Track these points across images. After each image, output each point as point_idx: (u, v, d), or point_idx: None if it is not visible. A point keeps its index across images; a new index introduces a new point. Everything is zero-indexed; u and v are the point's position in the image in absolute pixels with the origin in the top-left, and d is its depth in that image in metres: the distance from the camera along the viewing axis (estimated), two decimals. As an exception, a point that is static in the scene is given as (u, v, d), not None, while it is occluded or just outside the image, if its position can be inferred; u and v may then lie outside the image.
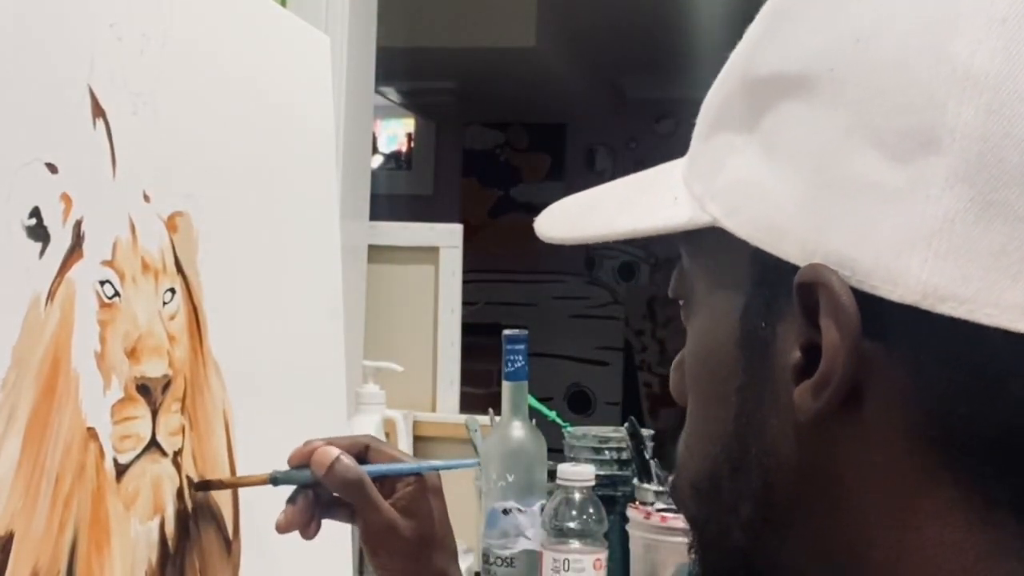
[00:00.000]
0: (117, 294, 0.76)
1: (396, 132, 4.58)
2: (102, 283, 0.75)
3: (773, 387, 0.43)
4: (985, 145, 0.37)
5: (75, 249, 0.72)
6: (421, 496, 0.80)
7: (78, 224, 0.73)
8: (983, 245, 0.37)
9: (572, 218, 0.53)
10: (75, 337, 0.72)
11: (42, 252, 0.69)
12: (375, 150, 4.20)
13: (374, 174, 1.86)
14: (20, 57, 0.68)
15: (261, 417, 0.94)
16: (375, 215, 1.79)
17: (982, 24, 0.37)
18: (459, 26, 3.24)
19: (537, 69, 3.52)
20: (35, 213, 0.69)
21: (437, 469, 0.83)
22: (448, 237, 1.79)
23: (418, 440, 1.70)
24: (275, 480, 0.81)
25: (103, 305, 0.75)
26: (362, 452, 0.82)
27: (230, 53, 0.93)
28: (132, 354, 0.77)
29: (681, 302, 0.51)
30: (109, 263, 0.75)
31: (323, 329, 1.08)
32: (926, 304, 0.38)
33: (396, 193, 4.23)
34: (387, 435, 1.59)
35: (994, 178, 0.37)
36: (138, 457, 0.78)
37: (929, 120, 0.37)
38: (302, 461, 0.81)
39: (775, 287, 0.42)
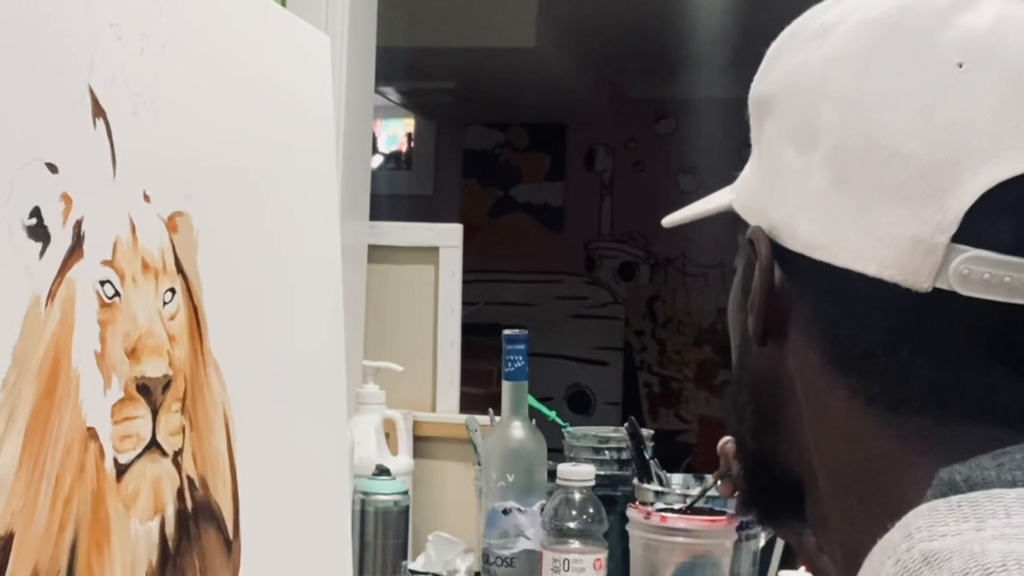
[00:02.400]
0: (117, 294, 0.76)
1: (396, 132, 4.58)
2: (102, 283, 0.75)
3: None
4: (840, 139, 0.52)
5: (75, 249, 0.72)
6: None
7: (78, 224, 0.73)
8: (838, 209, 0.52)
9: (683, 211, 0.71)
10: (75, 337, 0.72)
11: (42, 252, 0.69)
12: (375, 150, 4.20)
13: (374, 174, 1.85)
14: (20, 57, 0.68)
15: (261, 417, 0.94)
16: (375, 215, 1.79)
17: (847, 57, 0.53)
18: (459, 26, 3.24)
19: (537, 69, 3.52)
20: (35, 213, 0.69)
21: None
22: (448, 237, 1.79)
23: (418, 440, 1.70)
24: None
25: (103, 305, 0.75)
26: None
27: (230, 53, 0.93)
28: (132, 354, 0.77)
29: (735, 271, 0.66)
30: (109, 263, 0.75)
31: (323, 329, 1.08)
32: (808, 252, 0.53)
33: (396, 193, 4.23)
34: (387, 435, 1.59)
35: (844, 161, 0.52)
36: (138, 457, 0.78)
37: (813, 123, 0.54)
38: None
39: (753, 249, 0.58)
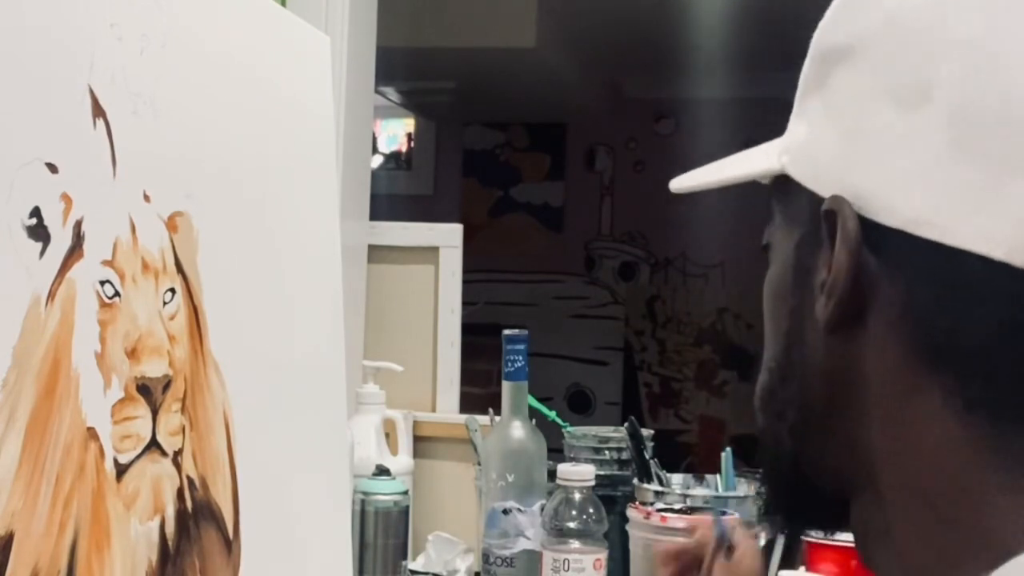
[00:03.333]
0: (117, 294, 0.76)
1: (396, 132, 4.58)
2: (102, 283, 0.75)
3: (811, 305, 0.51)
4: (965, 99, 0.45)
5: (75, 249, 0.72)
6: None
7: (78, 224, 0.73)
8: (957, 180, 0.45)
9: (696, 175, 0.63)
10: (75, 337, 0.72)
11: (42, 252, 0.69)
12: (375, 150, 4.20)
13: (374, 174, 1.85)
14: (20, 57, 0.68)
15: (261, 417, 0.94)
16: (375, 215, 1.79)
17: (973, 3, 0.46)
18: (459, 26, 3.23)
19: (537, 69, 3.52)
20: (35, 213, 0.69)
21: None
22: (448, 237, 1.79)
23: (418, 440, 1.69)
24: None
25: (103, 305, 0.75)
26: None
27: (230, 53, 0.93)
28: (132, 354, 0.77)
29: (766, 247, 0.60)
30: (109, 263, 0.75)
31: (323, 329, 1.08)
32: (911, 228, 0.46)
33: (396, 193, 4.22)
34: (387, 435, 1.59)
35: (970, 126, 0.45)
36: (138, 457, 0.78)
37: (926, 77, 0.46)
38: None
39: (819, 221, 0.50)
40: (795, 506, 0.59)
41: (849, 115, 0.50)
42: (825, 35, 0.54)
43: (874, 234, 0.48)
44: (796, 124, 0.54)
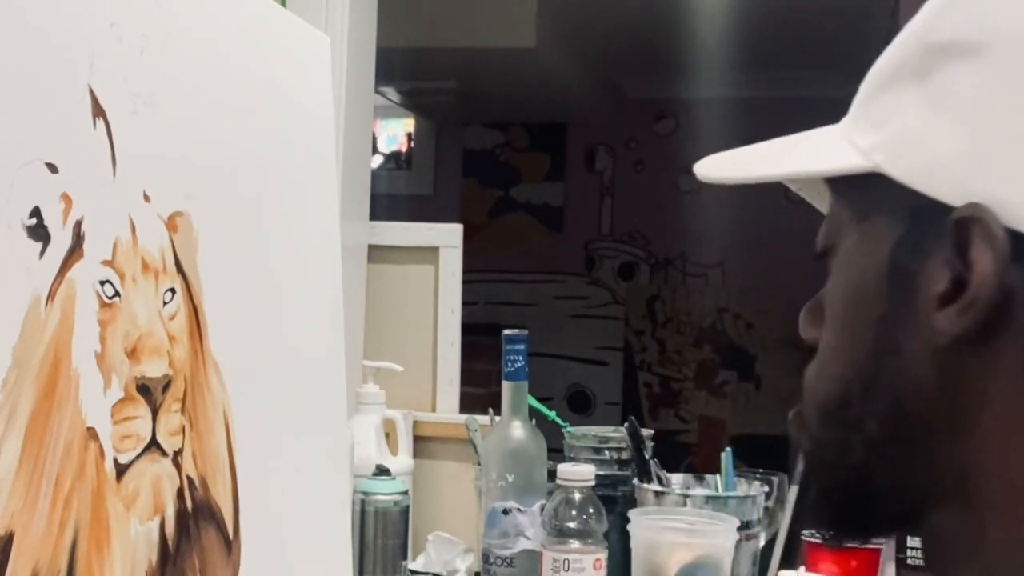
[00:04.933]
0: (117, 294, 0.76)
1: (396, 132, 4.58)
2: (102, 283, 0.75)
3: (914, 315, 0.49)
4: None
5: (75, 249, 0.72)
6: None
7: (78, 224, 0.73)
8: None
9: (738, 163, 0.59)
10: (75, 337, 0.72)
11: (42, 252, 0.69)
12: (375, 150, 4.20)
13: (374, 174, 1.85)
14: (20, 57, 0.68)
15: (261, 417, 0.94)
16: (375, 215, 1.79)
17: None
18: (459, 26, 3.23)
19: (537, 69, 3.52)
20: (35, 213, 0.69)
21: None
22: (448, 237, 1.79)
23: (418, 440, 1.69)
24: None
25: (103, 305, 0.75)
26: None
27: (230, 53, 0.93)
28: (132, 354, 0.77)
29: (826, 250, 0.57)
30: (109, 263, 0.75)
31: (323, 329, 1.08)
32: None
33: (396, 193, 4.23)
34: (387, 435, 1.59)
35: None
36: (138, 457, 0.78)
37: None
38: None
39: (927, 226, 0.48)
40: (853, 517, 0.56)
41: (979, 116, 0.47)
42: (939, 26, 0.50)
43: (1017, 245, 0.46)
44: (885, 116, 0.51)
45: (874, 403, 0.51)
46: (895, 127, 0.50)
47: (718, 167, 0.59)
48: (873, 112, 0.52)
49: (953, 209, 0.47)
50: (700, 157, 0.61)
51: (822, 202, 0.59)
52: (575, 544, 1.20)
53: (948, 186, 0.47)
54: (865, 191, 0.52)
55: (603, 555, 1.21)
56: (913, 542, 1.25)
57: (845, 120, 0.55)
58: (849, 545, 1.13)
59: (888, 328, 0.50)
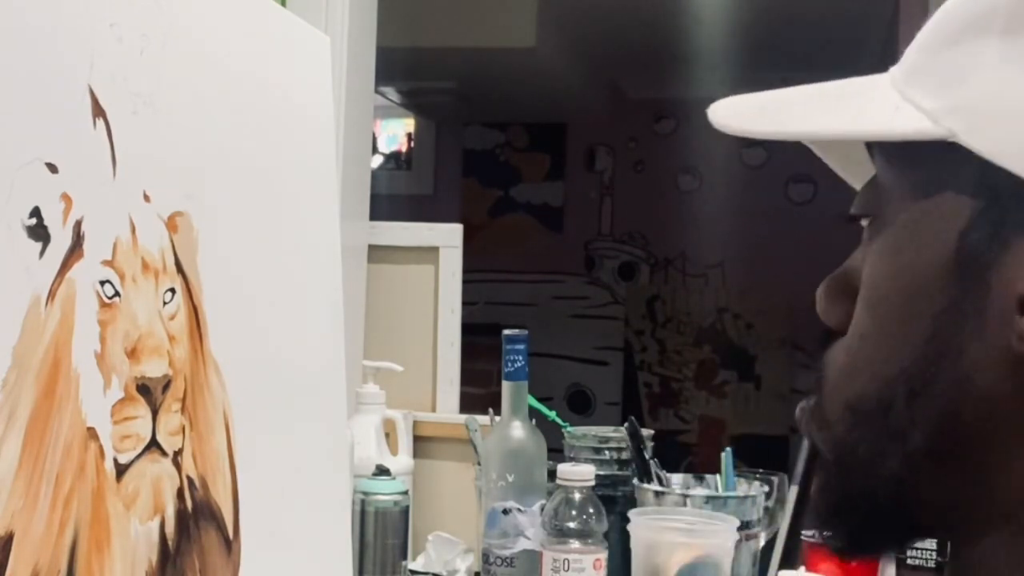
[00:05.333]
0: (117, 294, 0.76)
1: (396, 132, 4.58)
2: (102, 283, 0.75)
3: (986, 313, 0.42)
4: None
5: (75, 249, 0.72)
6: None
7: (78, 224, 0.73)
8: None
9: (767, 112, 0.49)
10: (75, 337, 0.72)
11: (42, 252, 0.69)
12: (375, 150, 4.20)
13: (374, 174, 1.85)
14: (20, 57, 0.68)
15: (261, 417, 0.94)
16: (375, 215, 1.79)
17: None
18: (459, 26, 3.23)
19: (537, 69, 3.52)
20: (35, 213, 0.69)
21: None
22: (448, 237, 1.79)
23: (418, 440, 1.69)
24: None
25: (103, 305, 0.75)
26: None
27: (230, 53, 0.93)
28: (132, 354, 0.77)
29: (864, 221, 0.48)
30: (109, 263, 0.75)
31: (323, 329, 1.08)
32: None
33: (396, 193, 4.23)
34: (387, 435, 1.59)
35: None
36: (138, 457, 0.78)
37: None
38: None
39: (1012, 211, 0.41)
40: (876, 535, 0.49)
41: None
42: None
43: None
44: (959, 74, 0.43)
45: (924, 411, 0.44)
46: (974, 89, 0.42)
47: (740, 115, 0.50)
48: (941, 67, 0.44)
49: None
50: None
51: (851, 167, 0.51)
52: (575, 544, 1.20)
53: None
54: (930, 161, 0.44)
55: (603, 555, 1.21)
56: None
57: (896, 73, 0.47)
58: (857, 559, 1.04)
59: (950, 326, 0.43)
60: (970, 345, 0.42)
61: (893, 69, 0.47)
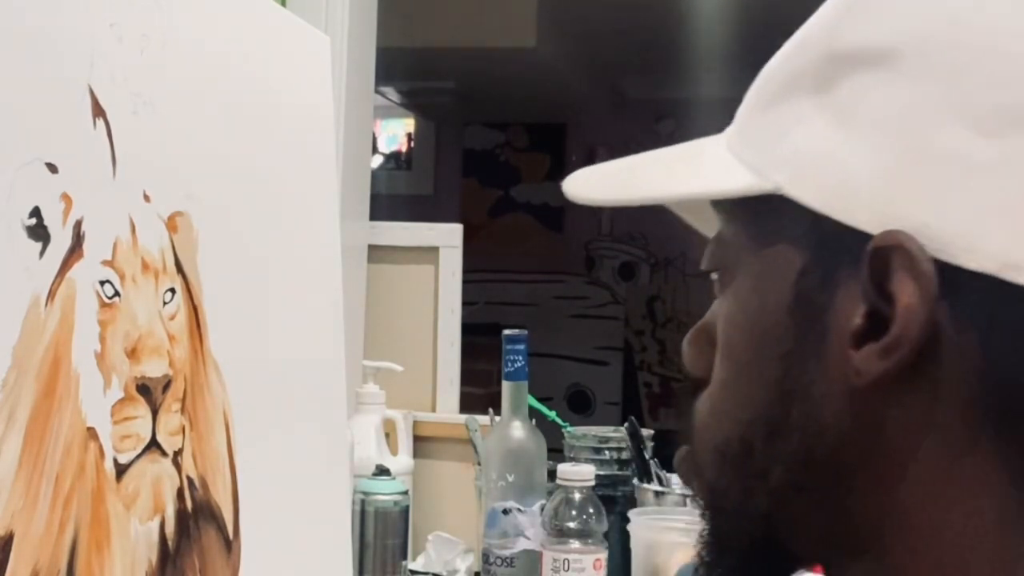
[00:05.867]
0: (117, 294, 0.76)
1: (396, 132, 4.58)
2: (102, 283, 0.75)
3: (824, 352, 0.44)
4: None
5: (75, 249, 0.72)
6: None
7: (78, 224, 0.73)
8: None
9: (615, 182, 0.53)
10: (75, 337, 0.72)
11: (42, 252, 0.69)
12: (375, 150, 4.20)
13: (374, 174, 1.85)
14: (20, 57, 0.68)
15: (261, 417, 0.94)
16: (375, 215, 1.79)
17: None
18: (459, 26, 3.24)
19: (537, 69, 3.52)
20: (35, 213, 0.69)
21: None
22: (448, 237, 1.79)
23: (418, 440, 1.69)
24: None
25: (103, 305, 0.75)
26: None
27: (230, 53, 0.93)
28: (132, 354, 0.77)
29: (715, 275, 0.51)
30: (109, 263, 0.75)
31: (323, 329, 1.08)
32: (1003, 273, 0.39)
33: (396, 193, 4.23)
34: (387, 435, 1.59)
35: None
36: (138, 457, 0.78)
37: (1016, 100, 0.40)
38: None
39: (838, 254, 0.43)
40: (758, 570, 0.50)
41: (895, 133, 0.42)
42: (844, 32, 0.45)
43: (944, 277, 0.41)
44: (781, 131, 0.46)
45: (781, 449, 0.46)
46: (795, 143, 0.45)
47: (590, 185, 0.53)
48: (765, 126, 0.47)
49: (868, 236, 0.42)
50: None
51: (705, 224, 0.53)
52: (575, 544, 1.20)
53: (862, 211, 0.42)
54: (763, 215, 0.46)
55: (603, 555, 1.21)
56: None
57: (730, 132, 0.50)
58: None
59: (795, 367, 0.45)
60: (814, 384, 0.44)
61: (727, 130, 0.50)
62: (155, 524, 0.79)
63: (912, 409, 0.42)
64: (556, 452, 1.41)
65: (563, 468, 1.24)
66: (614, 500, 1.35)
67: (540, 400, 1.45)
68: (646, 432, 1.39)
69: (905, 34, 0.42)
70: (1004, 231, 0.40)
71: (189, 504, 0.83)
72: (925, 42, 0.42)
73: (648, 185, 0.51)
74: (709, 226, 0.52)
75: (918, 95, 0.41)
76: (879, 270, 0.42)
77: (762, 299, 0.47)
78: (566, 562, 1.19)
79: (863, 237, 0.42)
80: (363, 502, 1.34)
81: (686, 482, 0.54)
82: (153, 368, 0.80)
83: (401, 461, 1.56)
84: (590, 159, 4.52)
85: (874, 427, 0.43)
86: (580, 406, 4.38)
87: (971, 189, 0.40)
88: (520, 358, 1.30)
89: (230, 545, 0.88)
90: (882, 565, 0.44)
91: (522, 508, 1.28)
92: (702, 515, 0.51)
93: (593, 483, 1.23)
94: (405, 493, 1.36)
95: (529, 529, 1.27)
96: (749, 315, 0.48)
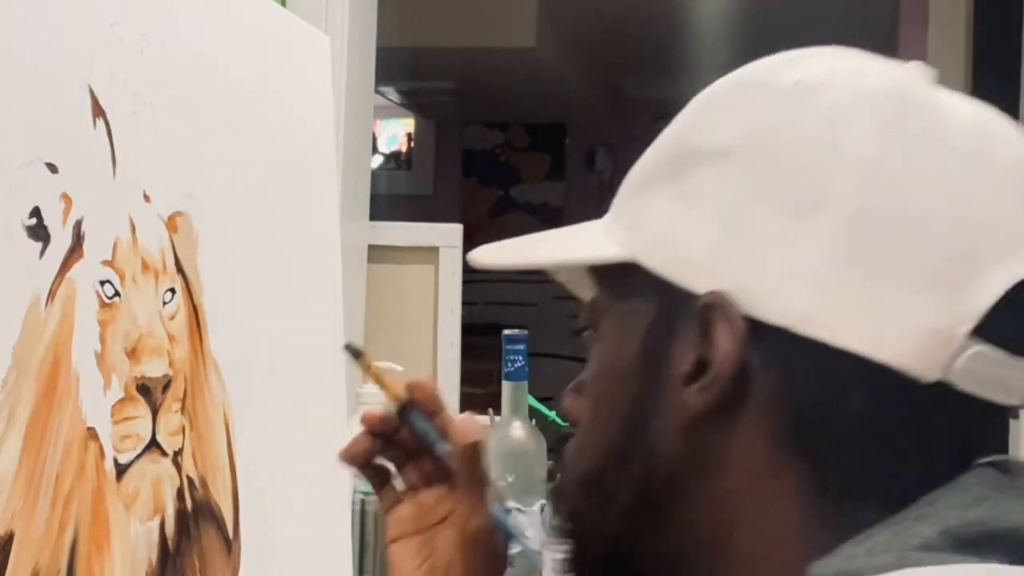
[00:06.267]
0: (117, 294, 0.76)
1: (396, 132, 4.58)
2: (102, 283, 0.75)
3: (662, 392, 0.53)
4: (859, 213, 0.49)
5: (75, 249, 0.72)
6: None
7: (78, 224, 0.73)
8: (847, 287, 0.48)
9: (504, 252, 0.64)
10: (75, 337, 0.72)
11: (42, 252, 0.69)
12: (375, 150, 4.20)
13: (374, 174, 1.85)
14: (20, 57, 0.68)
15: (261, 417, 0.94)
16: (375, 215, 1.79)
17: (866, 129, 0.50)
18: (459, 26, 3.24)
19: (537, 69, 3.52)
20: (35, 213, 0.69)
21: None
22: (448, 237, 1.79)
23: (418, 440, 1.69)
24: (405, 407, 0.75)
25: (103, 305, 0.75)
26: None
27: (230, 53, 0.93)
28: (132, 354, 0.77)
29: (587, 332, 0.60)
30: (109, 263, 0.75)
31: (323, 329, 1.08)
32: (797, 327, 0.49)
33: (396, 193, 4.23)
34: (387, 435, 1.59)
35: (860, 238, 0.48)
36: (138, 457, 0.78)
37: (819, 189, 0.50)
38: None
39: (677, 312, 0.53)
40: None
41: (725, 214, 0.52)
42: (689, 132, 0.56)
43: (754, 329, 0.50)
44: (644, 211, 0.56)
45: (627, 474, 0.55)
46: (651, 223, 0.55)
47: (491, 254, 0.64)
48: (632, 210, 0.57)
49: (699, 296, 0.51)
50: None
51: (584, 291, 0.63)
52: (575, 544, 1.19)
53: (696, 277, 0.52)
54: (623, 279, 0.56)
55: (603, 555, 1.21)
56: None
57: (607, 217, 0.60)
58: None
59: (641, 404, 0.54)
60: (656, 419, 0.53)
61: (607, 215, 0.60)
62: (155, 524, 0.79)
63: (729, 437, 0.51)
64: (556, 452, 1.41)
65: (563, 468, 1.24)
66: (614, 500, 1.35)
67: (540, 400, 1.45)
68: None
69: (736, 137, 0.53)
70: (800, 293, 0.49)
71: (189, 504, 0.83)
72: (750, 143, 0.52)
73: (535, 253, 0.64)
74: (587, 293, 0.62)
75: (744, 184, 0.52)
76: (705, 323, 0.51)
77: (618, 349, 0.56)
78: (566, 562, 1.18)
79: (695, 297, 0.52)
80: (363, 502, 1.33)
81: (555, 511, 0.64)
82: (153, 368, 0.80)
83: (401, 461, 1.56)
84: (590, 159, 4.53)
85: (699, 453, 0.52)
86: (580, 406, 4.37)
87: (778, 258, 0.50)
88: (520, 358, 1.30)
89: (230, 545, 0.88)
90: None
91: (522, 508, 1.28)
92: (568, 539, 0.61)
93: (593, 483, 1.23)
94: (405, 493, 1.36)
95: (529, 529, 1.27)
96: (607, 362, 0.57)
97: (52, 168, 0.70)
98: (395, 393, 0.75)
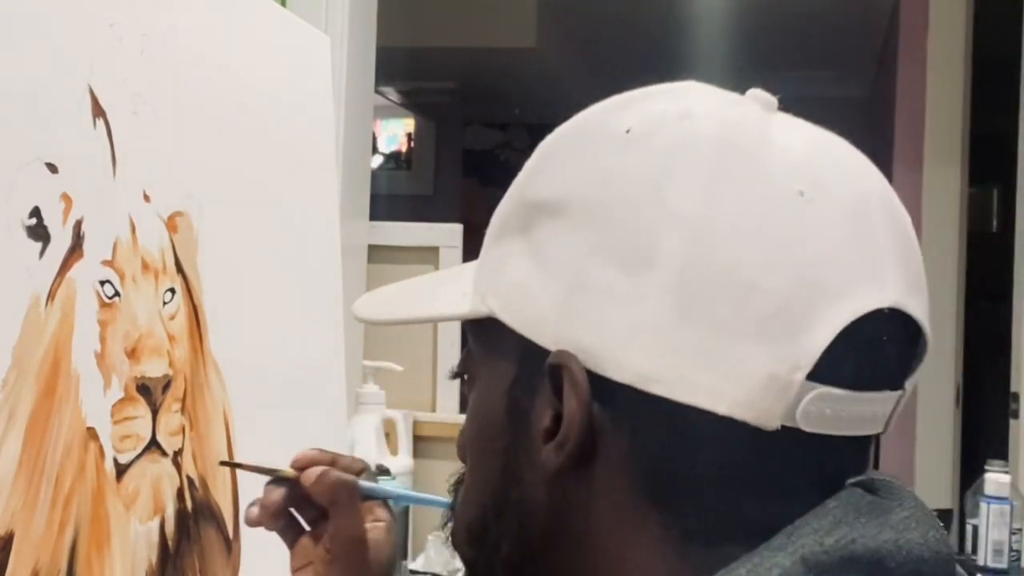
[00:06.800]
0: (117, 294, 0.76)
1: (396, 132, 4.58)
2: (102, 283, 0.75)
3: (529, 447, 0.53)
4: (686, 267, 0.48)
5: (75, 249, 0.72)
6: (389, 530, 0.80)
7: (78, 224, 0.73)
8: (682, 342, 0.48)
9: (383, 303, 0.64)
10: (75, 337, 0.72)
11: (42, 252, 0.69)
12: (375, 150, 4.20)
13: (374, 174, 1.85)
14: (20, 57, 0.68)
15: (261, 417, 0.94)
16: (375, 215, 1.79)
17: (690, 181, 0.49)
18: (459, 26, 3.24)
19: (537, 69, 3.52)
20: (35, 213, 0.69)
21: (423, 503, 0.81)
22: (448, 237, 1.79)
23: (418, 440, 1.69)
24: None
25: (103, 305, 0.75)
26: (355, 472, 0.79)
27: (230, 53, 0.93)
28: (132, 354, 0.77)
29: (465, 378, 0.61)
30: (109, 263, 0.75)
31: (323, 329, 1.08)
32: (640, 384, 0.48)
33: (396, 193, 4.23)
34: (387, 435, 1.59)
35: (690, 293, 0.48)
36: (138, 457, 0.78)
37: (648, 244, 0.49)
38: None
39: (534, 368, 0.52)
40: None
41: (566, 270, 0.51)
42: (533, 185, 0.56)
43: (602, 386, 0.49)
44: (499, 264, 0.55)
45: (506, 527, 0.55)
46: (506, 276, 0.54)
47: (368, 306, 0.64)
48: (489, 261, 0.56)
49: (550, 354, 0.51)
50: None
51: None
52: (575, 544, 1.19)
53: (546, 333, 0.51)
54: (487, 333, 0.55)
55: (603, 555, 1.20)
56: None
57: (478, 261, 0.59)
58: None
59: (513, 458, 0.54)
60: (526, 473, 0.53)
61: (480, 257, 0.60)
62: (155, 524, 0.79)
63: (590, 492, 0.51)
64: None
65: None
66: (614, 500, 1.35)
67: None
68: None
69: (572, 190, 0.52)
70: (641, 351, 0.48)
71: (189, 504, 0.83)
72: (584, 197, 0.51)
73: (402, 308, 0.63)
74: None
75: (580, 239, 0.51)
76: (556, 381, 0.50)
77: (488, 403, 0.56)
78: None
79: (548, 354, 0.51)
80: (363, 502, 1.33)
81: (455, 553, 0.64)
82: (153, 368, 0.80)
83: (401, 461, 1.56)
84: (590, 159, 4.52)
85: (565, 508, 0.52)
86: (580, 406, 4.37)
87: (616, 316, 0.49)
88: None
89: (230, 545, 0.88)
90: None
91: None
92: None
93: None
94: (405, 493, 1.36)
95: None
96: (482, 416, 0.57)
97: (52, 168, 0.70)
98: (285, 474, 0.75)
